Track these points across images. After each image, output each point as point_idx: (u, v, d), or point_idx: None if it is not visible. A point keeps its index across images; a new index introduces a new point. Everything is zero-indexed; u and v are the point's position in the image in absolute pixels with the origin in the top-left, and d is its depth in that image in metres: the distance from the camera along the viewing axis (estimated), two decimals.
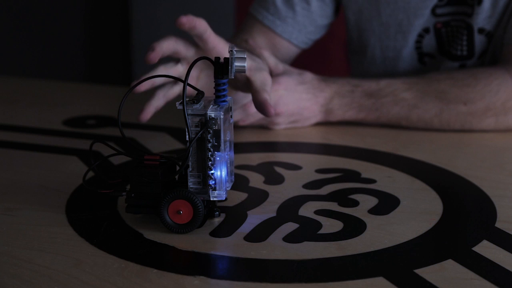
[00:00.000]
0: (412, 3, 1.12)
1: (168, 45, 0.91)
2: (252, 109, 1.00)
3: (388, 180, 0.87)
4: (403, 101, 1.03)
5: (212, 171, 0.71)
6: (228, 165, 0.73)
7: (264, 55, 1.04)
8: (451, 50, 1.13)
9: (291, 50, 1.19)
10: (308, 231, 0.72)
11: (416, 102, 1.03)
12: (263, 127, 1.05)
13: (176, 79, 0.75)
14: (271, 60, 1.04)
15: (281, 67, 1.05)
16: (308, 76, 1.05)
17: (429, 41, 1.14)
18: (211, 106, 0.71)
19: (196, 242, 0.69)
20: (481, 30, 1.09)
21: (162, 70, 0.95)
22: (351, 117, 1.05)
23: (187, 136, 0.70)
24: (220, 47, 0.92)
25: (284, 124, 1.05)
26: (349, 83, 1.05)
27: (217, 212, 0.75)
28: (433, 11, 1.12)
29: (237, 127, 1.03)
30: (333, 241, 0.70)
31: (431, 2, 1.11)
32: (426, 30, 1.13)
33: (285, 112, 1.03)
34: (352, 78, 1.07)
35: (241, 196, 0.81)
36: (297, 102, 1.03)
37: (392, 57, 1.17)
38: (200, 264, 0.66)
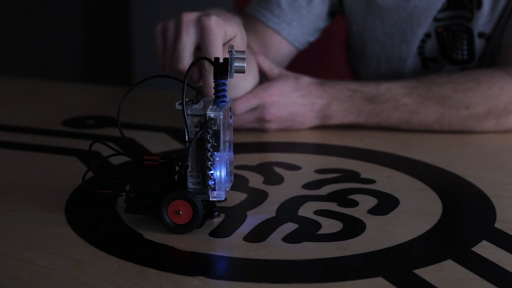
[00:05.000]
0: (416, 13, 1.12)
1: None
2: (239, 110, 1.00)
3: (388, 180, 0.87)
4: (404, 107, 1.02)
5: (211, 172, 0.71)
6: (228, 165, 0.73)
7: (258, 59, 1.03)
8: (452, 54, 1.13)
9: (291, 52, 1.19)
10: (307, 231, 0.72)
11: (417, 108, 1.02)
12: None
13: (176, 79, 0.75)
14: (266, 65, 1.04)
15: (276, 71, 1.05)
16: (305, 81, 1.04)
17: (431, 46, 1.14)
18: (211, 106, 0.71)
19: (195, 242, 0.69)
20: (481, 35, 1.09)
21: None
22: (350, 122, 1.05)
23: (186, 137, 0.70)
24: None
25: (276, 128, 1.04)
26: (348, 88, 1.04)
27: (217, 213, 0.75)
28: (434, 17, 1.12)
29: (236, 128, 1.03)
30: (333, 241, 0.70)
31: (433, 10, 1.11)
32: (427, 35, 1.13)
33: (277, 118, 1.03)
34: (350, 82, 1.06)
35: (241, 196, 0.81)
36: (291, 108, 1.03)
37: (398, 66, 1.17)
38: (199, 264, 0.66)
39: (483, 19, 1.08)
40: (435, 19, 1.12)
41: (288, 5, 1.15)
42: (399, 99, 1.02)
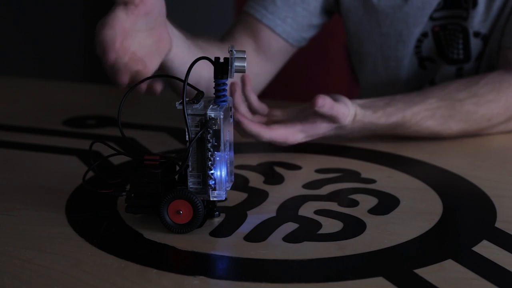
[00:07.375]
0: (411, 13, 1.11)
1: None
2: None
3: (388, 180, 0.87)
4: (426, 129, 1.00)
5: (212, 171, 0.71)
6: (228, 165, 0.73)
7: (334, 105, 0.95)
8: (449, 53, 1.13)
9: (285, 49, 1.18)
10: (308, 231, 0.72)
11: (440, 129, 1.00)
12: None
13: (176, 79, 0.75)
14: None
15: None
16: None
17: (428, 45, 1.14)
18: (211, 106, 0.71)
19: (196, 242, 0.69)
20: (476, 34, 1.09)
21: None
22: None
23: (187, 136, 0.70)
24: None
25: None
26: (367, 128, 0.98)
27: (217, 212, 0.75)
28: (430, 16, 1.11)
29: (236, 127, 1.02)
30: (333, 241, 0.70)
31: (429, 9, 1.11)
32: (424, 35, 1.13)
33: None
34: (373, 119, 0.97)
35: (241, 196, 0.81)
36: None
37: (394, 66, 1.17)
38: (200, 264, 0.66)
39: (478, 18, 1.08)
40: (431, 18, 1.12)
41: (282, 2, 1.15)
42: (422, 124, 1.00)
